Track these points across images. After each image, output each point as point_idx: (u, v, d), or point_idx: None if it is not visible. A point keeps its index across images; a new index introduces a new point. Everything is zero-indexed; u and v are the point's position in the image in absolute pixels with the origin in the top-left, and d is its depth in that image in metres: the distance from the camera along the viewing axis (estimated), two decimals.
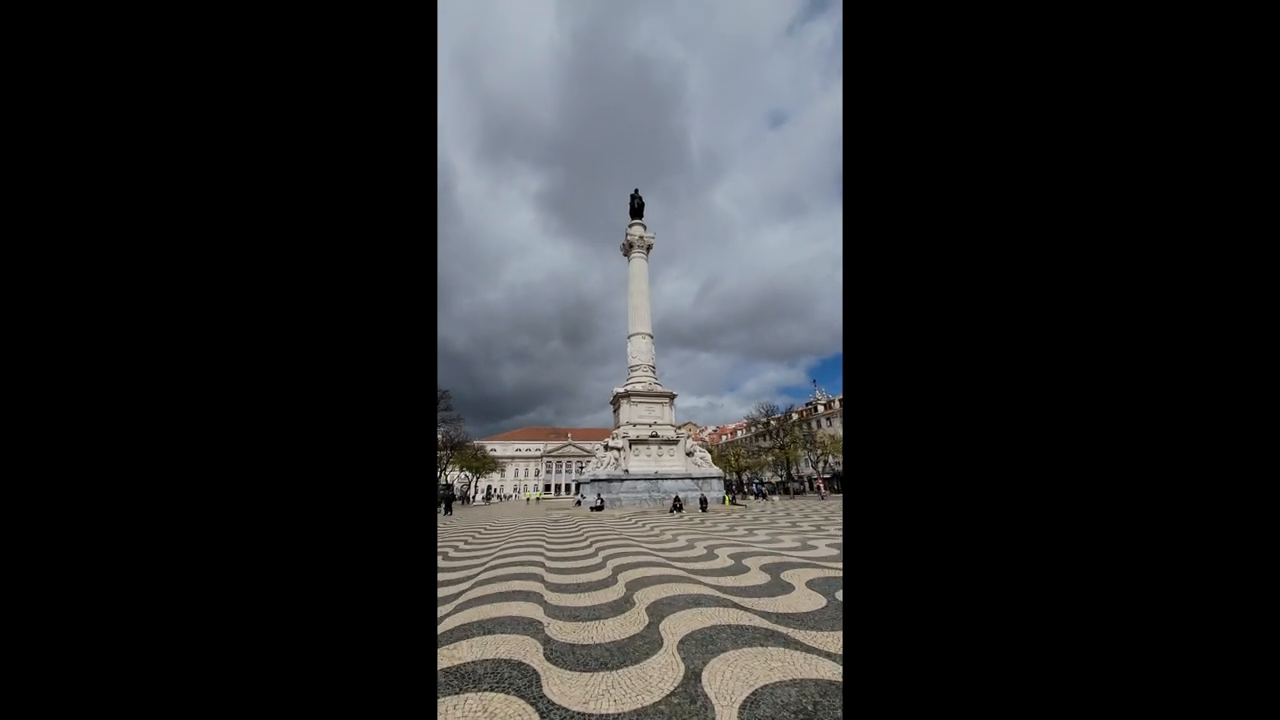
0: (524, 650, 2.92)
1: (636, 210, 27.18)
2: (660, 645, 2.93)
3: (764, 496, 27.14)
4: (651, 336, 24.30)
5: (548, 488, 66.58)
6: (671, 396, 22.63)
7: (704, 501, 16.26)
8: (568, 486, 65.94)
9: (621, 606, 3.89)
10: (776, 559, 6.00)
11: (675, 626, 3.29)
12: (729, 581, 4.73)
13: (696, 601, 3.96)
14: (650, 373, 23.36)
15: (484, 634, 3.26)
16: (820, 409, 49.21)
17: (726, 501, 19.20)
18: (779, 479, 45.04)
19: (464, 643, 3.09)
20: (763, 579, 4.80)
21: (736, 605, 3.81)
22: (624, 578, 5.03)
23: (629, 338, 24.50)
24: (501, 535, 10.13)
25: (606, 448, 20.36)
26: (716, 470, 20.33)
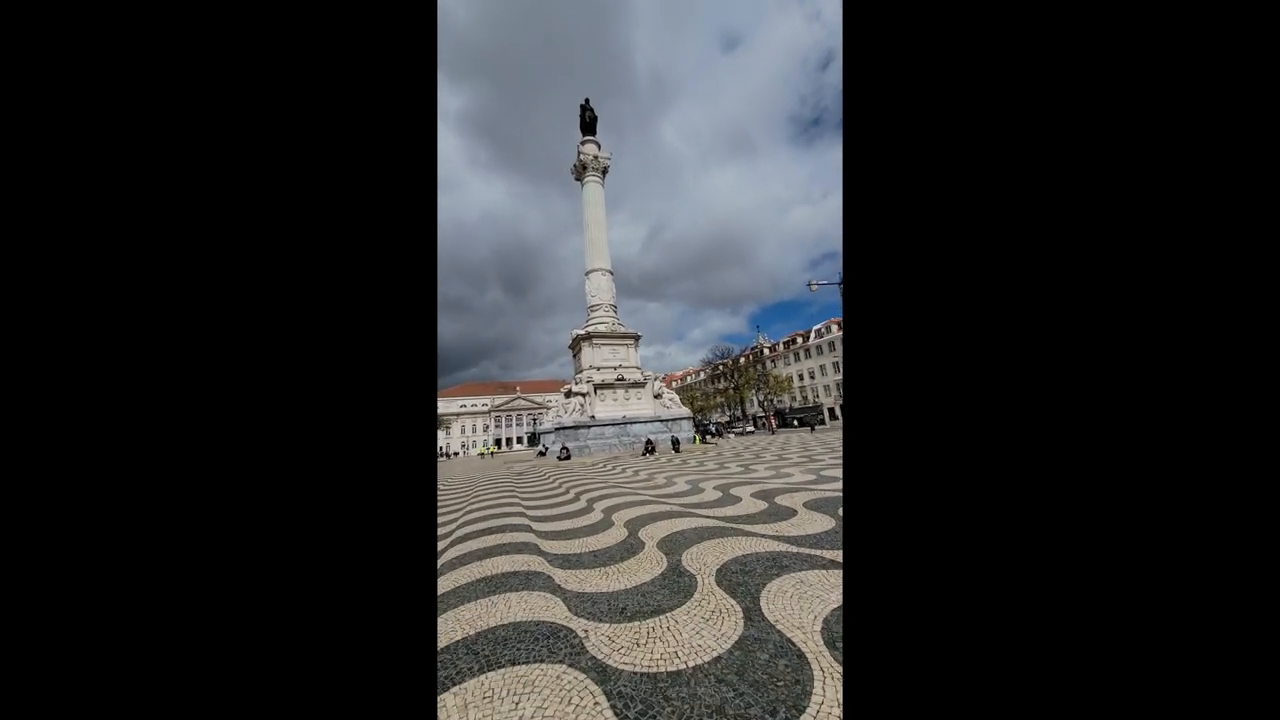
0: (578, 711, 1.57)
1: (588, 125, 23.42)
2: (798, 657, 1.75)
3: (721, 435, 28.06)
4: (611, 273, 22.11)
5: (498, 442, 64.87)
6: (636, 337, 21.21)
7: (676, 442, 15.80)
8: (519, 439, 65.05)
9: (679, 582, 2.69)
10: (811, 494, 5.21)
11: (788, 610, 2.15)
12: (788, 529, 3.74)
13: (776, 561, 2.88)
14: (612, 312, 21.53)
15: (485, 669, 1.87)
16: (766, 352, 51.43)
17: (697, 441, 19.11)
18: (726, 419, 47.22)
19: (450, 697, 1.68)
20: (826, 523, 3.87)
21: (837, 563, 2.77)
22: (648, 536, 3.86)
23: (587, 274, 22.13)
24: (462, 494, 8.59)
25: (569, 394, 18.85)
26: (685, 411, 19.91)
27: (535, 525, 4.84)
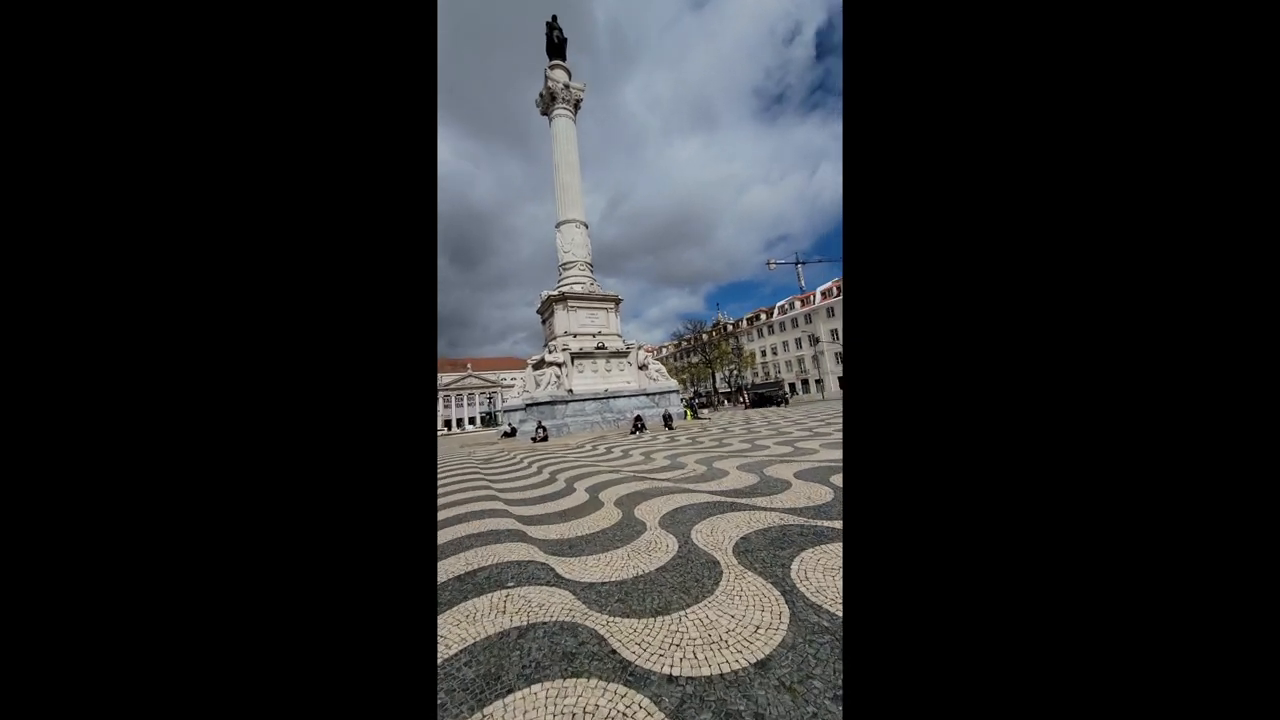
0: None
1: (556, 47, 19.61)
2: None
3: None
4: (586, 225, 19.16)
5: (447, 423, 60.06)
6: (617, 301, 18.59)
7: (668, 418, 13.92)
8: (472, 420, 60.85)
9: None
10: None
11: None
12: None
13: None
14: (588, 270, 18.66)
15: None
16: (729, 328, 51.06)
17: (689, 416, 17.39)
18: (689, 394, 46.63)
19: None
20: None
21: None
22: (814, 588, 1.81)
23: (558, 226, 18.98)
24: None
25: (540, 364, 16.14)
26: (673, 383, 17.90)
27: (560, 566, 2.62)
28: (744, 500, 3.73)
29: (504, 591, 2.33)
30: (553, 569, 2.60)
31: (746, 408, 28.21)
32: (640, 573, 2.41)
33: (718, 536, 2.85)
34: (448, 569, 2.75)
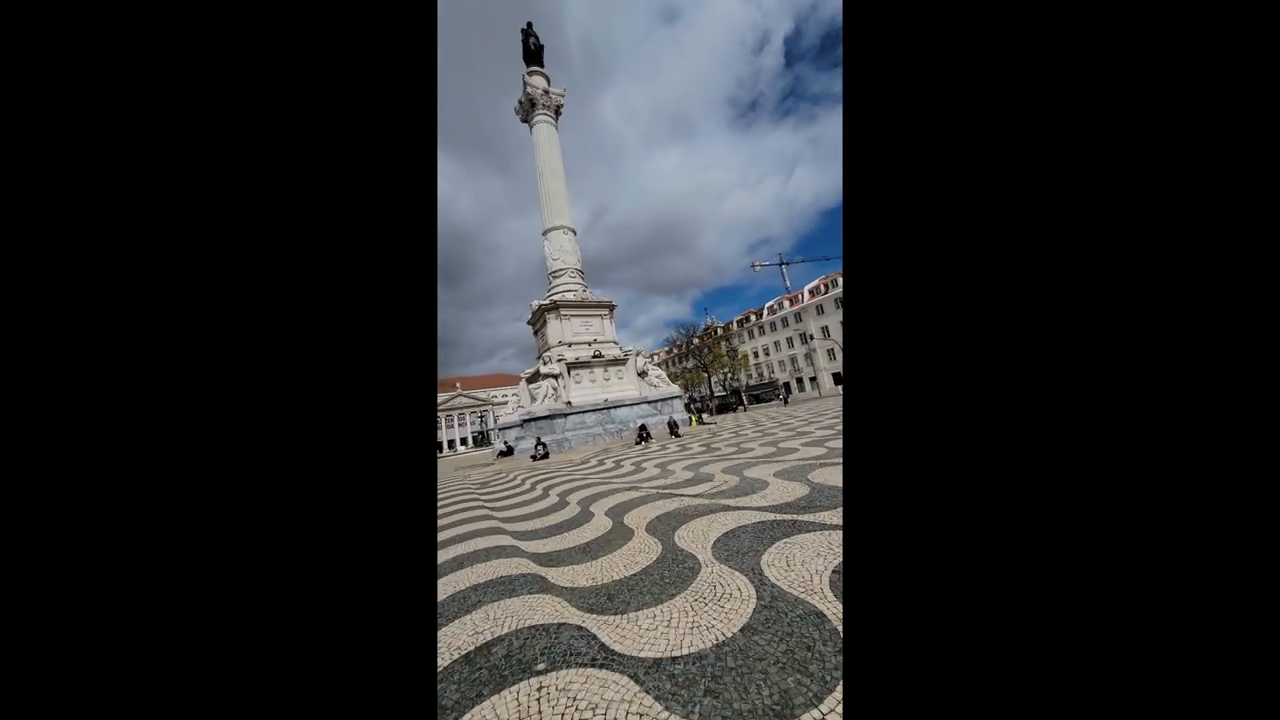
0: None
1: (533, 54, 19.18)
2: None
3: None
4: (574, 231, 18.55)
5: (439, 445, 58.35)
6: (611, 306, 17.87)
7: (673, 425, 13.23)
8: (464, 440, 59.27)
9: None
10: None
11: None
12: None
13: None
14: (579, 277, 17.93)
15: None
16: (719, 332, 50.80)
17: (694, 422, 16.69)
18: (687, 399, 45.99)
19: None
20: None
21: None
22: None
23: (545, 234, 18.29)
24: None
25: (536, 377, 15.31)
26: (675, 389, 17.12)
27: (596, 626, 1.93)
28: (806, 517, 3.09)
29: (535, 681, 1.64)
30: (594, 636, 1.91)
31: (745, 409, 27.67)
32: (721, 637, 1.74)
33: (800, 571, 2.20)
34: (450, 641, 2.04)
